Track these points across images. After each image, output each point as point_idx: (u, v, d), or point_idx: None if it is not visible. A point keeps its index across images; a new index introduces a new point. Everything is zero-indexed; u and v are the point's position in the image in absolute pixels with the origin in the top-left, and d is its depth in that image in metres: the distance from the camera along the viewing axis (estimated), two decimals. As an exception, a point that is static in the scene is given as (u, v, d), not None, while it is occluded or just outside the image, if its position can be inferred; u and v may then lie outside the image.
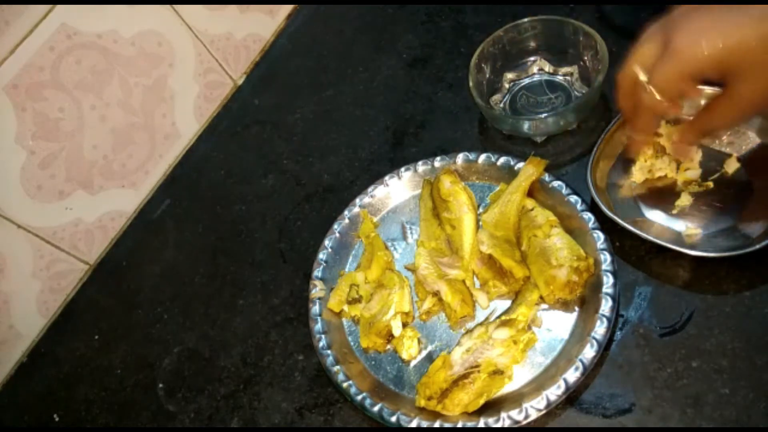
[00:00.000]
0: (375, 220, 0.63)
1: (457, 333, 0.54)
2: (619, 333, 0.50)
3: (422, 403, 0.49)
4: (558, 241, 0.52)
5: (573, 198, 0.55)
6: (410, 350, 0.54)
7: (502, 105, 0.66)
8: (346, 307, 0.58)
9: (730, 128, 0.52)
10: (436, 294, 0.55)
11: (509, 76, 0.67)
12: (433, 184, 0.61)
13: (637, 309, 0.50)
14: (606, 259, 0.51)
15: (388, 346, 0.55)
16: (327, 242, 0.62)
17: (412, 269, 0.58)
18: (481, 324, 0.52)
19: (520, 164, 0.58)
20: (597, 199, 0.53)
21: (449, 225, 0.58)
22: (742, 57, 0.40)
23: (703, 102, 0.51)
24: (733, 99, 0.44)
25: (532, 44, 0.66)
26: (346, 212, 0.63)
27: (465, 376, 0.49)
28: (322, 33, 0.85)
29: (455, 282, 0.55)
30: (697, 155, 0.54)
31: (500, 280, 0.54)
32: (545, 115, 0.59)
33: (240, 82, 0.85)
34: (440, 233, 0.58)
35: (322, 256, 0.61)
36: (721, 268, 0.49)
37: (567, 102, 0.63)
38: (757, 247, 0.46)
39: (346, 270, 0.62)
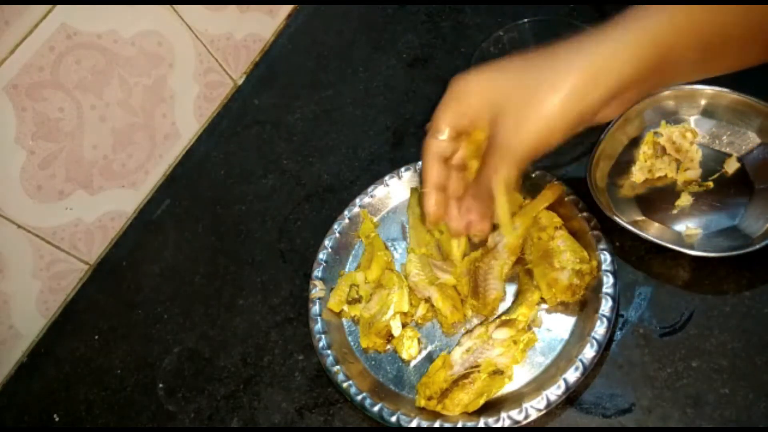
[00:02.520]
0: (375, 220, 0.63)
1: (451, 338, 0.54)
2: (619, 333, 0.50)
3: (422, 403, 0.49)
4: (561, 244, 0.52)
5: (573, 198, 0.55)
6: (410, 350, 0.54)
7: (502, 105, 0.66)
8: (346, 307, 0.58)
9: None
10: (428, 300, 0.55)
11: (509, 76, 0.67)
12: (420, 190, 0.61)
13: (637, 309, 0.50)
14: (606, 259, 0.51)
15: (388, 346, 0.55)
16: (327, 242, 0.62)
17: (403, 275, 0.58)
18: (481, 324, 0.52)
19: None
20: (597, 199, 0.53)
21: (437, 230, 0.58)
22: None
23: None
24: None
25: (532, 44, 0.66)
26: (346, 212, 0.63)
27: (465, 376, 0.49)
28: (322, 33, 0.85)
29: (446, 288, 0.55)
30: (698, 155, 0.54)
31: (476, 300, 0.54)
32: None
33: (240, 82, 0.85)
34: (430, 239, 0.58)
35: (322, 256, 0.61)
36: (721, 268, 0.49)
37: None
38: (757, 247, 0.46)
39: (346, 270, 0.62)
